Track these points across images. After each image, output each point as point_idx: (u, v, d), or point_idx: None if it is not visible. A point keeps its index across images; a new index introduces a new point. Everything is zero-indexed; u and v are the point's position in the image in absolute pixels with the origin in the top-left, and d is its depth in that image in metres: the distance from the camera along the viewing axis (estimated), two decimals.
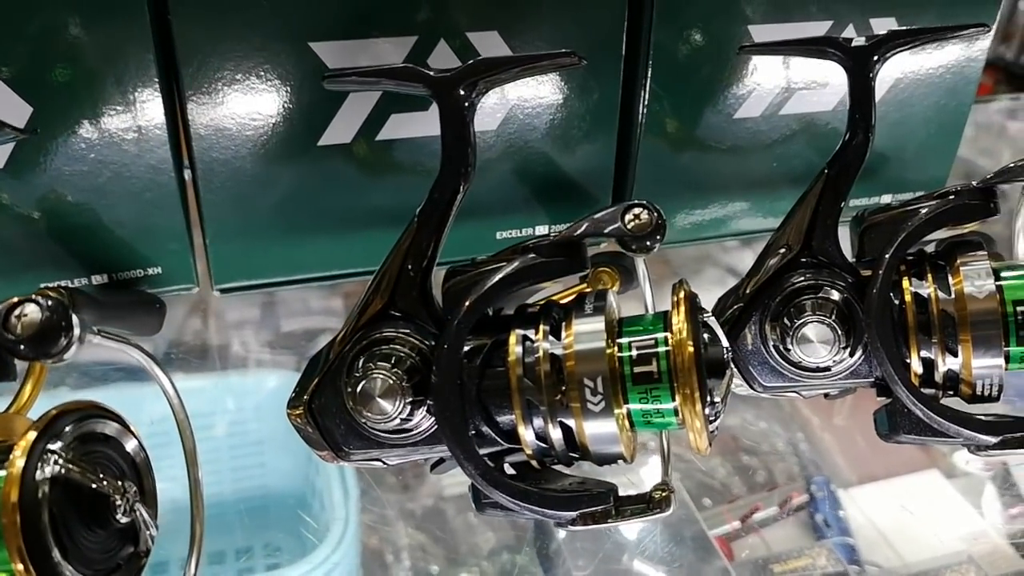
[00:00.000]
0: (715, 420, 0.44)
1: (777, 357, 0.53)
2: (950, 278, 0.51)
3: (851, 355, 0.52)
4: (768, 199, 0.69)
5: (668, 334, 0.44)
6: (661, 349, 0.44)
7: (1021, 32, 2.94)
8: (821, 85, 0.65)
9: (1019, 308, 0.50)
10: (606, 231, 0.45)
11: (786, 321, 0.52)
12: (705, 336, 0.48)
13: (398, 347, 0.45)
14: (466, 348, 0.45)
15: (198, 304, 0.96)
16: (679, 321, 0.43)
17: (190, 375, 0.93)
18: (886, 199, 0.73)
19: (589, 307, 0.45)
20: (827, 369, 0.53)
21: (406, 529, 0.93)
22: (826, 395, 0.57)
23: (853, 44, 0.53)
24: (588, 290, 0.58)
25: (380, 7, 0.55)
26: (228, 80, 0.53)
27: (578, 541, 0.92)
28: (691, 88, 0.63)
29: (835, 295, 0.52)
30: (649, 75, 0.61)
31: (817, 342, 0.51)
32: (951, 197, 0.52)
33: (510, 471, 0.48)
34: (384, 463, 0.48)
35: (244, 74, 0.53)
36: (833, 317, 0.51)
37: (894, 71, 0.67)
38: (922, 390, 0.51)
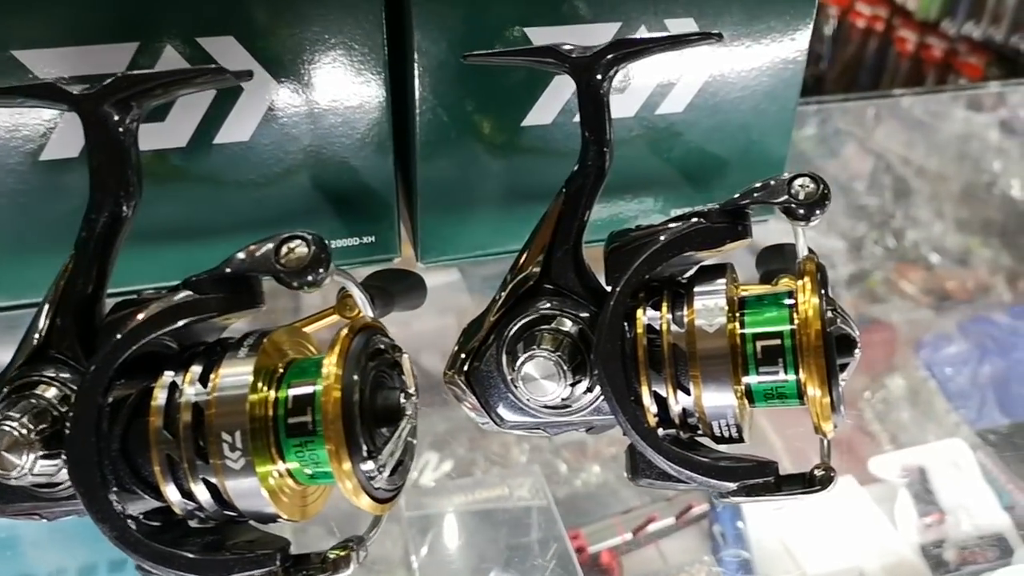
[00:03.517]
0: (379, 474, 0.40)
1: (515, 391, 0.49)
2: (685, 309, 0.46)
3: (590, 390, 0.48)
4: None
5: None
6: (319, 398, 0.40)
7: (1011, 13, 2.87)
8: (617, 90, 0.61)
9: (760, 343, 0.46)
10: (264, 267, 0.41)
11: (517, 354, 0.48)
12: (404, 378, 0.44)
13: (40, 393, 0.41)
14: (121, 393, 0.41)
15: None
16: (329, 364, 0.39)
17: None
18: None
19: (244, 349, 0.41)
20: (566, 406, 0.49)
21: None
22: (588, 430, 0.53)
23: (574, 55, 0.48)
24: (333, 318, 0.54)
25: (95, 12, 0.51)
26: None
27: (437, 553, 0.89)
28: (466, 95, 0.59)
29: (568, 326, 0.48)
30: (417, 82, 0.57)
31: (540, 378, 0.47)
32: (695, 220, 0.48)
33: None
34: (44, 518, 0.44)
35: None
36: (560, 351, 0.47)
37: (700, 75, 0.62)
38: (660, 430, 0.47)
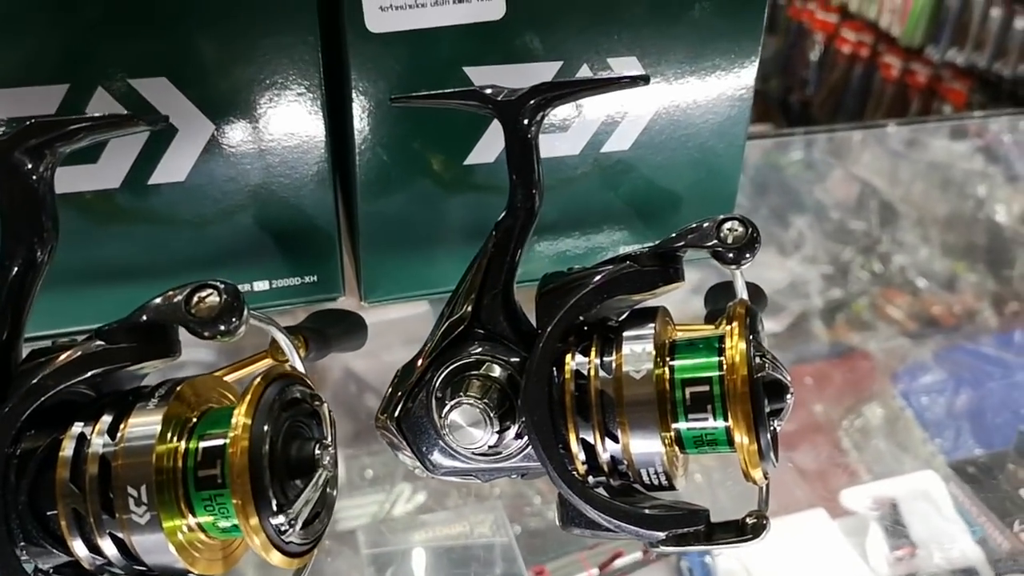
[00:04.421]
0: (291, 528, 0.39)
1: (444, 438, 0.48)
2: (614, 354, 0.46)
3: (519, 437, 0.48)
4: None
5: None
6: (228, 449, 0.39)
7: (994, 39, 2.88)
8: (561, 128, 0.60)
9: (688, 389, 0.45)
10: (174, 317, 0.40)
11: (445, 400, 0.47)
12: (323, 428, 0.43)
13: None
14: (30, 445, 0.41)
15: None
16: (239, 414, 0.38)
17: None
18: None
19: (155, 399, 0.40)
20: (497, 452, 0.48)
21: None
22: (522, 476, 0.52)
23: (500, 97, 0.48)
24: (266, 361, 0.53)
25: (26, 53, 0.50)
26: None
27: None
28: (406, 134, 0.58)
29: (497, 372, 0.47)
30: (356, 122, 0.57)
31: (467, 425, 0.46)
32: (626, 263, 0.47)
33: None
34: None
35: None
36: (487, 398, 0.46)
37: (646, 113, 0.62)
38: (591, 478, 0.47)
